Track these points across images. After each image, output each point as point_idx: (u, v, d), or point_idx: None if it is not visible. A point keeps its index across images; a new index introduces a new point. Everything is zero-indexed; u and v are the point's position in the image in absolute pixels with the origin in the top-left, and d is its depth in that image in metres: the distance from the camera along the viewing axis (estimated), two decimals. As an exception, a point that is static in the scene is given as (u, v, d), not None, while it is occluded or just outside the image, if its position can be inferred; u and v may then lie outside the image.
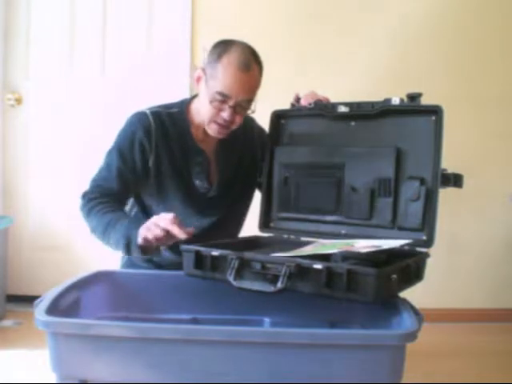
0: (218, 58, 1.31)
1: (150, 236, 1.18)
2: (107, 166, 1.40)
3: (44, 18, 2.52)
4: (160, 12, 2.50)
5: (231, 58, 1.30)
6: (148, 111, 1.41)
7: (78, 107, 2.53)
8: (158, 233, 1.17)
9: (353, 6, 2.46)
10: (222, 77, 1.30)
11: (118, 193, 1.38)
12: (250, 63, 1.31)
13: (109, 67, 2.53)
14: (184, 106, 1.45)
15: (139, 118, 1.40)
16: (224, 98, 1.31)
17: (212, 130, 1.38)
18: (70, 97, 2.53)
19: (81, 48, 2.52)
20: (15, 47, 2.52)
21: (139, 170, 1.40)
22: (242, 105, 1.34)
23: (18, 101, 2.54)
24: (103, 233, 1.29)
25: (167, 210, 1.31)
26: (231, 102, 1.31)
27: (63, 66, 2.53)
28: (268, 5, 2.46)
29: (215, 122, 1.36)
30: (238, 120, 1.37)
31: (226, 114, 1.33)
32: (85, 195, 1.37)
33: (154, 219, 1.20)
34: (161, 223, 1.17)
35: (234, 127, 1.38)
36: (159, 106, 1.45)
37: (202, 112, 1.38)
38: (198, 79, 1.38)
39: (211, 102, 1.33)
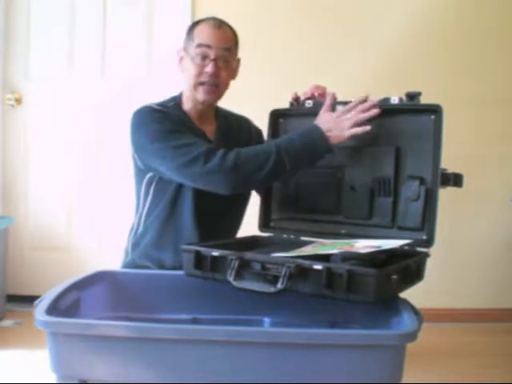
0: (193, 27, 1.42)
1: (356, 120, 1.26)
2: (179, 144, 1.30)
3: (44, 18, 2.52)
4: (160, 12, 2.49)
5: (204, 22, 1.41)
6: (153, 105, 1.43)
7: (78, 107, 2.53)
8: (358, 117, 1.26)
9: (353, 5, 2.46)
10: (198, 33, 1.39)
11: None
12: (222, 24, 1.41)
13: (109, 68, 2.53)
14: (177, 99, 1.49)
15: (149, 110, 1.41)
16: (204, 48, 1.37)
17: (200, 92, 1.40)
18: (70, 97, 2.53)
19: (81, 49, 2.52)
20: (15, 47, 2.52)
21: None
22: (223, 57, 1.38)
23: (18, 101, 2.54)
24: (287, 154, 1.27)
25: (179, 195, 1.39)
26: (212, 54, 1.37)
27: (63, 66, 2.53)
28: (269, 5, 2.45)
29: (201, 83, 1.39)
30: (224, 75, 1.40)
31: (209, 68, 1.37)
32: (208, 155, 1.26)
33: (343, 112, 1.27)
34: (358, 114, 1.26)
35: (222, 88, 1.42)
36: (156, 104, 1.46)
37: (187, 78, 1.40)
38: (181, 59, 1.43)
39: (193, 59, 1.38)
